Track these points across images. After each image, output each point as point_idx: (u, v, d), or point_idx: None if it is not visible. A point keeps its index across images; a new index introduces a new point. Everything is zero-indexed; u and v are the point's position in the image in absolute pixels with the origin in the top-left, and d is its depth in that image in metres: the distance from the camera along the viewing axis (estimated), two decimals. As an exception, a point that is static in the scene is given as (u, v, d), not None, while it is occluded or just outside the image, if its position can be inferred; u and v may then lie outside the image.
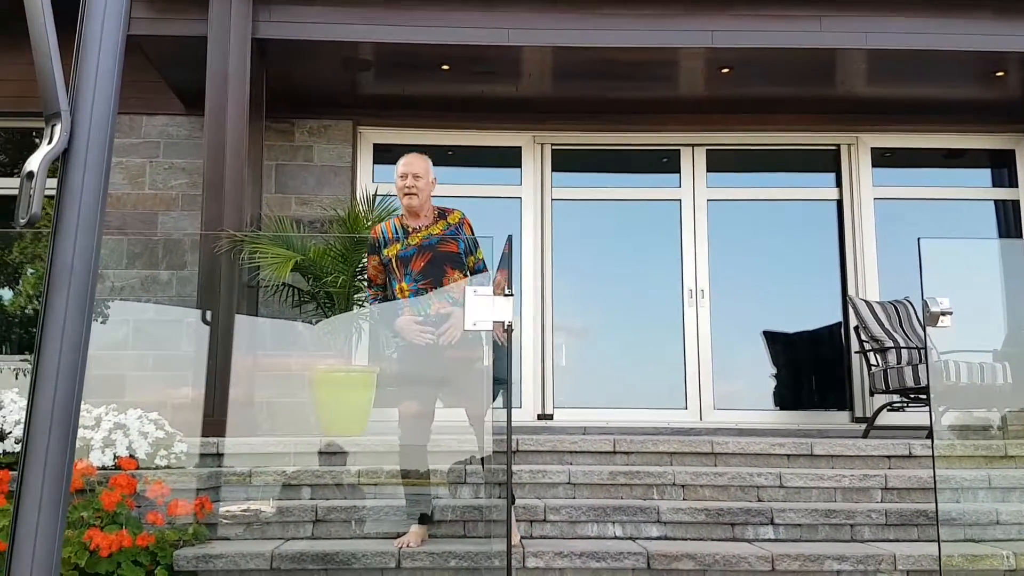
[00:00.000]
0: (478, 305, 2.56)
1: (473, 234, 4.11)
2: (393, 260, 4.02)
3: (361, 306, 5.89)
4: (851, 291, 6.97)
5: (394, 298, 4.05)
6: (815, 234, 7.27)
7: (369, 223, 5.94)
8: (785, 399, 7.10)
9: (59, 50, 1.42)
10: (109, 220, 6.63)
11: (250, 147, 5.84)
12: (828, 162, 7.30)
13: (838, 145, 7.26)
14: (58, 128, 1.43)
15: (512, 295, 2.63)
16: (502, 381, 3.80)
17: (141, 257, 6.65)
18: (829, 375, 7.14)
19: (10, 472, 3.87)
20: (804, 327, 7.25)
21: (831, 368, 7.10)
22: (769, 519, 4.21)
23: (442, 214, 4.11)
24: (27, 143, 6.98)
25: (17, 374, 6.29)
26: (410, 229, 4.05)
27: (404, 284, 3.99)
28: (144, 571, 3.60)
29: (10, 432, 4.26)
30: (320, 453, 4.64)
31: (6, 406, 4.43)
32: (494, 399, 4.02)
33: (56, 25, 1.40)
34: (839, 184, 7.24)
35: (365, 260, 5.89)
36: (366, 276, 4.27)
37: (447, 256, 4.01)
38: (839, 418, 6.91)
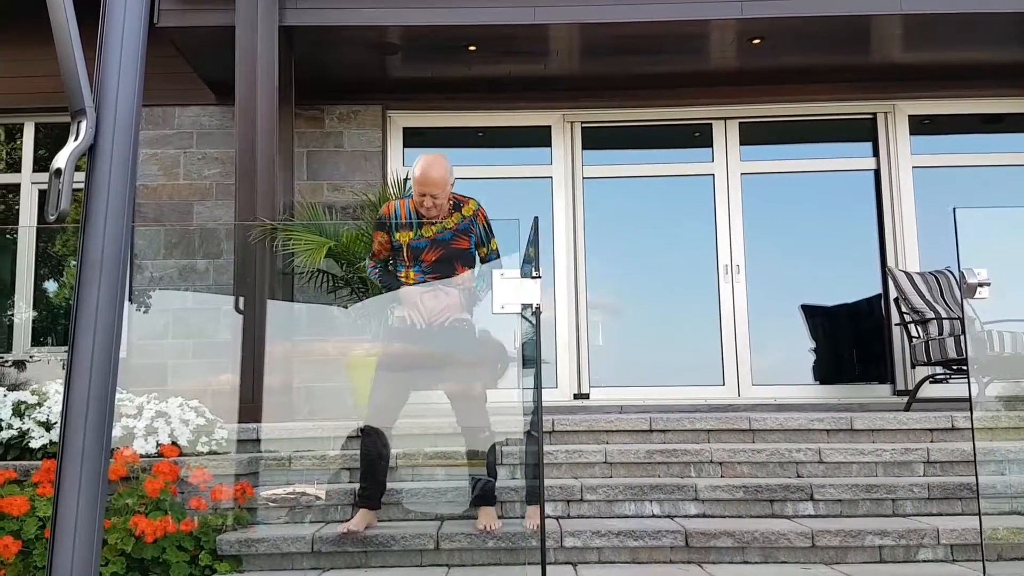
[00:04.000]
0: (506, 288, 2.54)
1: (487, 224, 4.04)
2: (405, 248, 3.99)
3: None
4: (891, 262, 6.85)
5: (397, 279, 4.07)
6: (853, 205, 7.15)
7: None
8: (825, 373, 7.02)
9: (83, 46, 1.43)
10: (146, 212, 6.73)
11: (281, 135, 5.88)
12: (865, 131, 7.15)
13: (875, 113, 7.11)
14: (84, 124, 1.45)
15: (539, 277, 2.62)
16: (532, 362, 3.79)
17: (178, 247, 6.75)
18: (869, 348, 7.04)
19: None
20: (843, 300, 7.15)
21: (871, 341, 7.00)
22: (809, 495, 4.17)
23: (457, 205, 4.00)
24: (64, 138, 7.11)
25: (63, 365, 6.43)
26: (424, 220, 3.98)
27: (412, 272, 3.99)
28: (188, 556, 3.67)
29: (56, 422, 4.36)
30: (358, 437, 4.68)
31: (51, 397, 4.54)
32: (525, 380, 4.02)
33: (79, 20, 1.42)
34: (876, 153, 7.10)
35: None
36: (371, 249, 4.22)
37: (458, 253, 4.00)
38: (880, 391, 6.82)
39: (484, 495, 3.97)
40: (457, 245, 3.99)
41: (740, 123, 7.12)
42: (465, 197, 4.06)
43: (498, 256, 4.07)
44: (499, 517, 4.01)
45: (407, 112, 7.08)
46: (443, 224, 3.97)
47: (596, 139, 7.16)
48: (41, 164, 7.07)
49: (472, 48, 6.34)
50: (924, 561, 3.73)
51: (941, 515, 4.09)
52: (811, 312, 7.07)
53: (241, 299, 5.58)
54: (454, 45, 6.27)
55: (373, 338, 5.81)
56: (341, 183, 6.84)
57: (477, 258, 4.06)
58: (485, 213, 4.05)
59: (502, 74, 6.76)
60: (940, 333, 5.88)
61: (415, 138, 7.13)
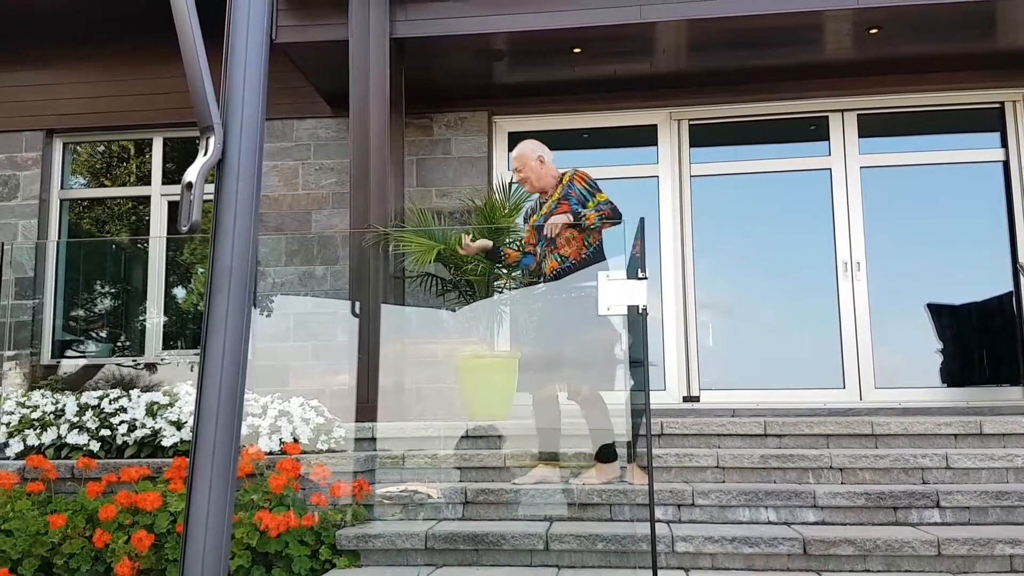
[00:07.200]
0: (612, 289, 2.53)
1: (586, 183, 4.53)
2: (535, 230, 4.70)
3: (500, 292, 5.99)
4: (1022, 258, 6.47)
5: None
6: (980, 198, 6.78)
7: (506, 211, 6.03)
8: (952, 375, 6.68)
9: (209, 66, 1.52)
10: (268, 220, 7.03)
11: (392, 144, 6.03)
12: (992, 121, 6.78)
13: (1002, 102, 6.74)
14: (212, 140, 1.53)
15: (646, 278, 2.60)
16: (639, 363, 3.77)
17: (298, 254, 7.03)
18: (1000, 348, 6.66)
19: (187, 459, 4.19)
20: (971, 298, 6.79)
21: (1002, 341, 6.62)
22: (935, 502, 3.99)
23: (560, 179, 4.62)
24: (192, 150, 7.49)
25: (192, 366, 6.78)
26: (542, 201, 4.69)
27: (539, 248, 4.69)
28: (309, 550, 3.81)
29: (186, 422, 4.61)
30: (467, 437, 4.77)
31: (182, 397, 4.80)
32: (633, 381, 4.01)
33: (204, 39, 1.50)
34: (1004, 144, 6.72)
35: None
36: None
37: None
38: (1012, 394, 6.45)
39: (603, 452, 4.30)
40: (560, 212, 4.48)
41: (859, 115, 6.86)
42: (564, 171, 4.67)
43: (610, 203, 4.42)
44: (609, 520, 4.03)
45: (512, 117, 7.15)
46: (552, 201, 4.56)
47: (704, 136, 7.05)
48: (169, 177, 7.47)
49: (577, 50, 6.34)
50: (1063, 574, 3.51)
51: (1082, 526, 3.84)
52: (937, 311, 6.75)
53: (357, 303, 5.77)
54: (559, 48, 6.29)
55: (480, 340, 5.91)
56: (449, 189, 6.97)
57: (583, 213, 4.43)
58: (583, 175, 4.56)
59: (607, 74, 6.74)
60: (1080, 333, 5.52)
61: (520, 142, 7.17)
